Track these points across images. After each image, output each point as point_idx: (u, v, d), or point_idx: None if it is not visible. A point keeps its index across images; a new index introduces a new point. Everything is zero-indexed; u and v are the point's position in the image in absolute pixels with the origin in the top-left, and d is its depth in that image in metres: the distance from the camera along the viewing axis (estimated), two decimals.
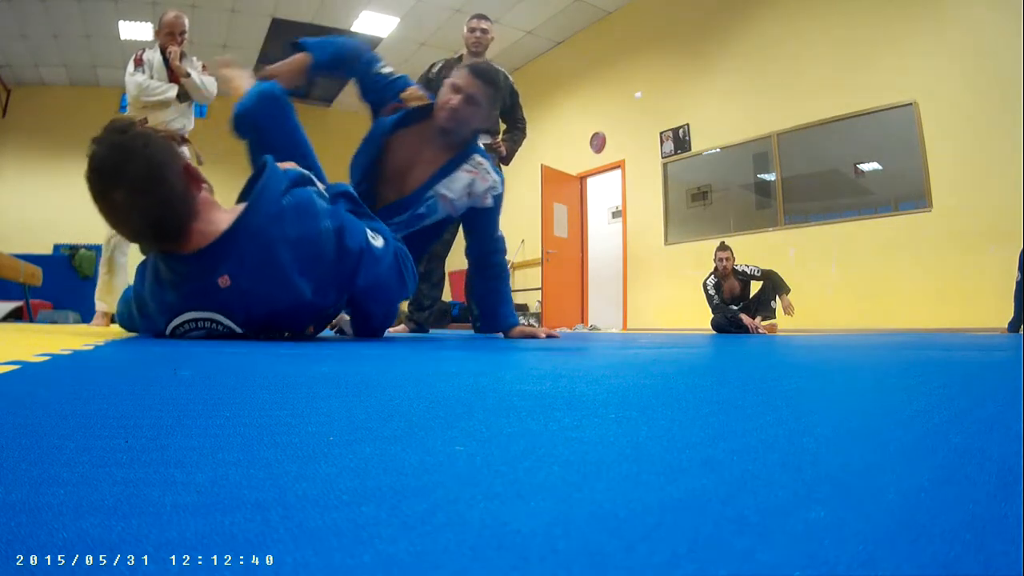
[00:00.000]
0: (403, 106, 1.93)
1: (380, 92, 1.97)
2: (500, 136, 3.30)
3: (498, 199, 2.00)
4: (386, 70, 1.98)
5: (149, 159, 1.12)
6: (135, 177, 1.11)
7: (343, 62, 1.96)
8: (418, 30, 6.93)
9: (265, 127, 1.67)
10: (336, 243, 1.34)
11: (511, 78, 3.28)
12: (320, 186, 1.49)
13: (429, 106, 1.91)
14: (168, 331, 1.31)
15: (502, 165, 3.21)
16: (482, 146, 2.33)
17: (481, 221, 2.02)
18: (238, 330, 1.31)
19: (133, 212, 1.14)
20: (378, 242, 1.43)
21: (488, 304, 2.10)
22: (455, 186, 1.91)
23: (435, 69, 3.19)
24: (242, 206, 1.28)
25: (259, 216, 1.25)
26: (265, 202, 1.27)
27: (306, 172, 1.48)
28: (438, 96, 1.88)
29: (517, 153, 3.43)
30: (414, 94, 1.96)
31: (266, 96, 1.68)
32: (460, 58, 3.25)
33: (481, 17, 3.26)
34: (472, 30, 3.22)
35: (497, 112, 2.96)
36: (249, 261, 1.24)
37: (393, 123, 1.91)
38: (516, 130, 3.36)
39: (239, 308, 1.28)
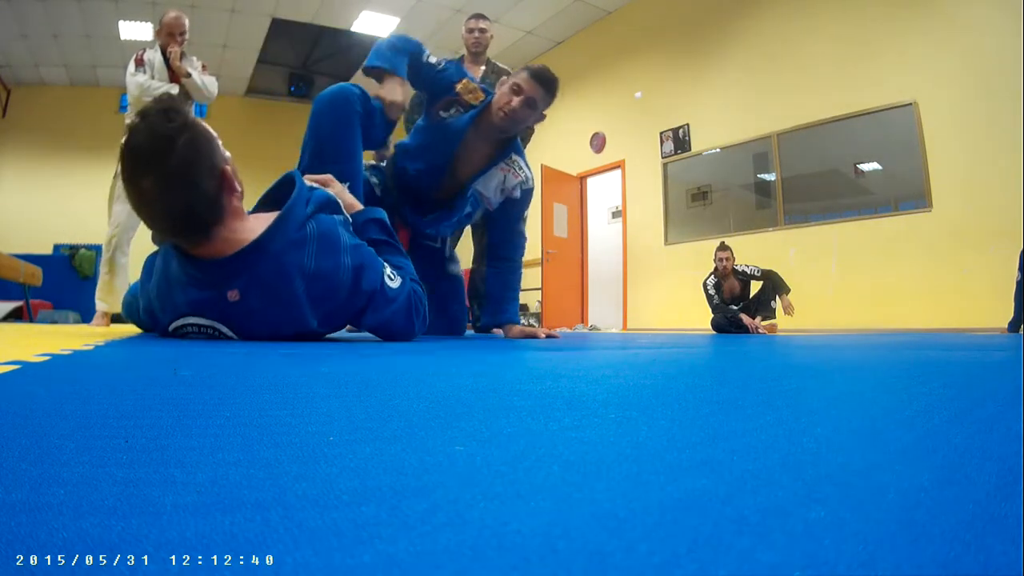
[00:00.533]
0: (459, 100, 1.93)
1: (433, 82, 1.95)
2: None
3: (527, 192, 2.01)
4: (432, 59, 1.97)
5: (186, 157, 1.09)
6: (167, 171, 1.09)
7: (405, 57, 1.93)
8: (418, 30, 6.93)
9: (327, 125, 1.68)
10: (352, 281, 1.32)
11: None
12: (346, 214, 1.47)
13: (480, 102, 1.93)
14: (170, 329, 1.31)
15: None
16: None
17: (506, 211, 2.03)
18: (236, 339, 1.31)
19: (157, 203, 1.12)
20: (394, 283, 1.41)
21: (496, 295, 2.08)
22: (490, 184, 1.94)
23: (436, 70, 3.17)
24: (267, 220, 1.25)
25: (281, 240, 1.22)
26: (289, 226, 1.25)
27: (333, 197, 1.45)
28: (496, 100, 1.89)
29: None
30: (468, 87, 1.96)
31: (341, 96, 1.69)
32: (461, 59, 3.23)
33: (479, 17, 3.24)
34: (471, 30, 3.21)
35: None
36: (262, 282, 1.22)
37: (466, 123, 1.91)
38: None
39: (242, 322, 1.27)
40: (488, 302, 2.11)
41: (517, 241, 2.09)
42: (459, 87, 1.94)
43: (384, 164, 2.09)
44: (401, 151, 2.04)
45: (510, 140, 1.96)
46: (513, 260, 2.10)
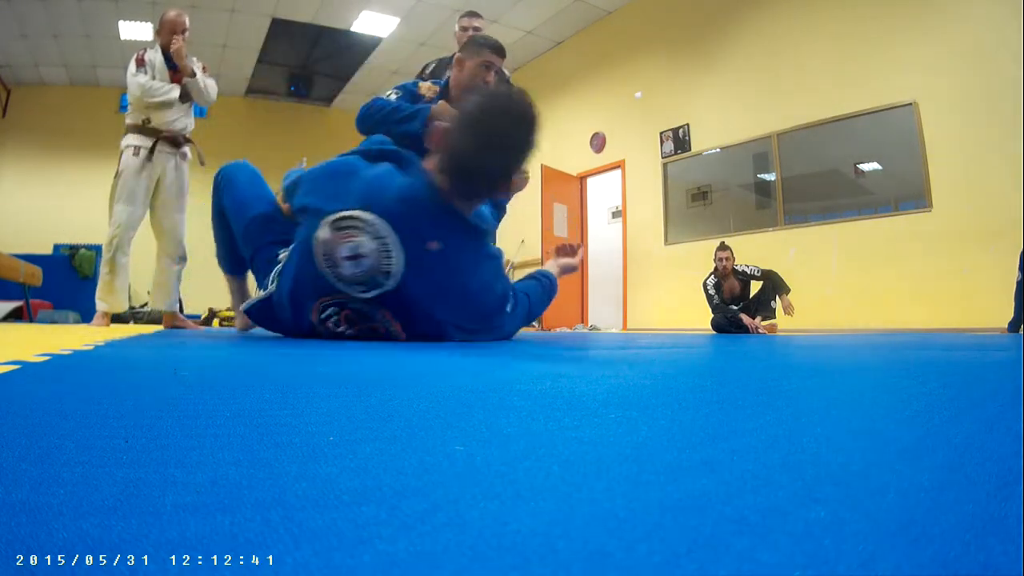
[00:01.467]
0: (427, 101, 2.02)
1: (412, 132, 1.99)
2: None
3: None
4: (393, 97, 2.03)
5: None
6: (532, 141, 1.35)
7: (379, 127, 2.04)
8: (418, 30, 6.93)
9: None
10: (496, 306, 1.45)
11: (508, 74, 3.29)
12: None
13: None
14: (331, 218, 1.31)
15: None
16: None
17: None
18: (367, 293, 1.35)
19: (514, 154, 1.34)
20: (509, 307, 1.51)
21: None
22: None
23: (428, 69, 3.17)
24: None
25: (489, 242, 1.43)
26: (491, 236, 1.47)
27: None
28: (470, 80, 1.95)
29: None
30: (425, 88, 2.06)
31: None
32: (451, 59, 3.19)
33: (473, 15, 3.19)
34: (465, 28, 3.16)
35: None
36: (460, 258, 1.35)
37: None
38: None
39: (416, 272, 1.33)
40: None
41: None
42: (422, 90, 2.06)
43: None
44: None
45: None
46: None
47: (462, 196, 1.35)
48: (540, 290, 1.70)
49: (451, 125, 1.35)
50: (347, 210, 1.31)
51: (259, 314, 1.63)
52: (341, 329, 1.44)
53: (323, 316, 1.43)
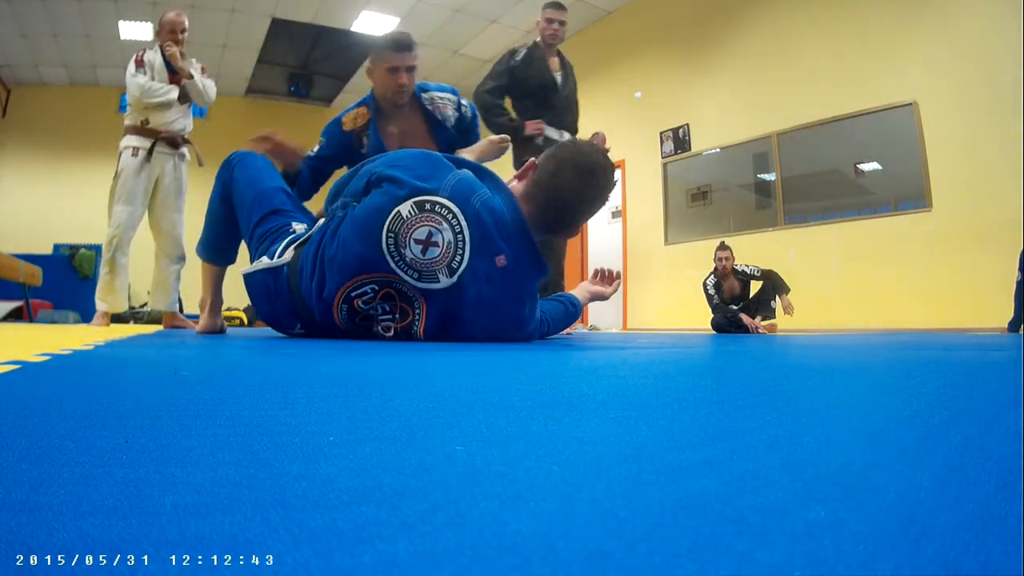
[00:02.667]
0: (356, 132, 2.09)
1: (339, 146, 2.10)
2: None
3: (459, 106, 2.17)
4: (315, 149, 2.11)
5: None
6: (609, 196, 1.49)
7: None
8: (418, 30, 6.92)
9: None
10: (519, 334, 1.48)
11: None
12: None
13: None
14: (414, 204, 1.33)
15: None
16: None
17: (464, 127, 2.19)
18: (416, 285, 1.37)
19: (596, 204, 1.46)
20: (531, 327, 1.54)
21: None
22: (450, 120, 2.11)
23: (518, 57, 3.05)
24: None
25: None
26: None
27: None
28: (383, 88, 2.03)
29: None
30: (351, 119, 2.12)
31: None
32: (535, 44, 3.10)
33: (560, 8, 3.06)
34: (550, 21, 3.04)
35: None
36: (524, 270, 1.41)
37: (375, 137, 2.06)
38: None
39: (466, 278, 1.35)
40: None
41: (475, 124, 2.27)
42: (346, 125, 2.08)
43: None
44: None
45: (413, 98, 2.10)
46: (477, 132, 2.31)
47: (539, 228, 1.43)
48: (562, 316, 1.73)
49: (547, 163, 1.43)
50: (437, 195, 1.33)
51: (257, 285, 1.57)
52: (367, 307, 1.41)
53: (355, 293, 1.39)
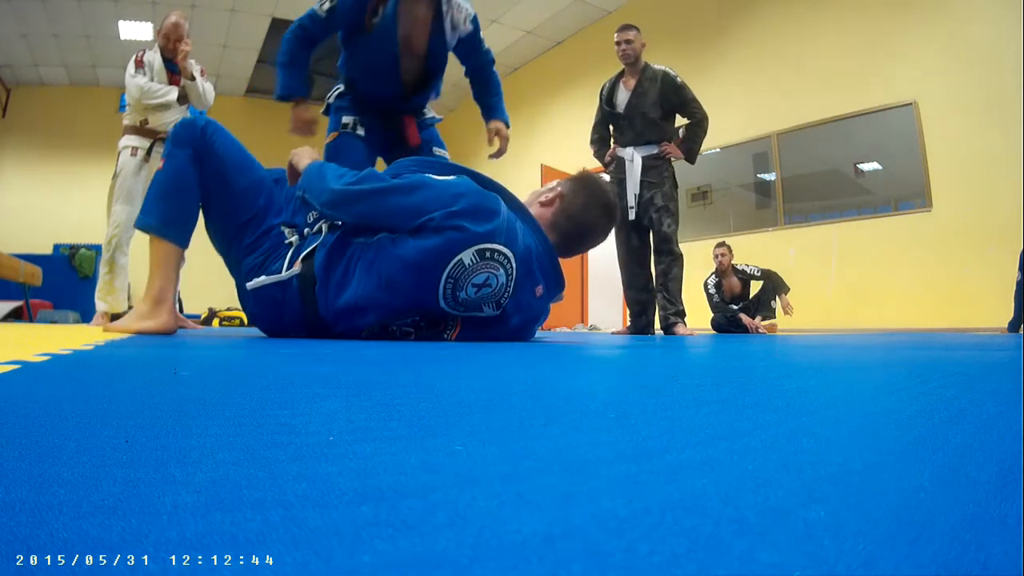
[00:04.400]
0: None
1: (341, 15, 2.12)
2: (672, 139, 3.37)
3: (475, 20, 2.26)
4: (326, 6, 2.12)
5: None
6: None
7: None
8: None
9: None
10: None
11: (673, 74, 3.40)
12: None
13: None
14: (476, 252, 1.33)
15: (688, 163, 3.43)
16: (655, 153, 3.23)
17: (470, 44, 2.28)
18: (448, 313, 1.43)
19: (603, 238, 1.62)
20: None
21: (493, 102, 2.43)
22: (448, 33, 2.16)
23: (604, 90, 3.52)
24: None
25: None
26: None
27: None
28: None
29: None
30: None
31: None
32: (620, 73, 3.50)
33: (624, 28, 3.43)
34: (617, 43, 3.43)
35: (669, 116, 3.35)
36: (546, 304, 1.58)
37: (392, 5, 2.06)
38: (695, 125, 3.36)
39: (509, 307, 1.46)
40: (482, 108, 2.45)
41: (488, 58, 2.39)
42: None
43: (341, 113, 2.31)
44: (351, 83, 2.25)
45: None
46: (494, 74, 2.45)
47: (561, 253, 1.55)
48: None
49: (575, 197, 1.54)
50: (497, 244, 1.35)
51: (264, 298, 1.52)
52: (394, 330, 1.48)
53: (395, 324, 1.46)
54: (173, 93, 2.94)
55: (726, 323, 4.15)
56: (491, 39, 7.58)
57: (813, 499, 0.19)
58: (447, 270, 1.32)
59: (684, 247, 6.09)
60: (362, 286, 1.40)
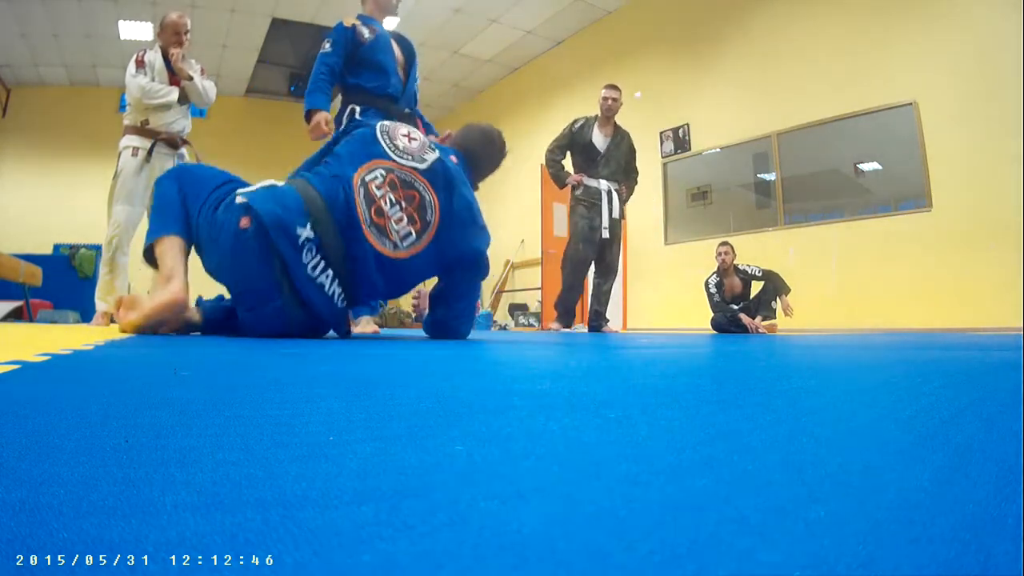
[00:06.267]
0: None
1: None
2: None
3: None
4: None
5: None
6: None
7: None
8: (418, 30, 6.93)
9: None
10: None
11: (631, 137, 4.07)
12: None
13: None
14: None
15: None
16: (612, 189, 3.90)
17: None
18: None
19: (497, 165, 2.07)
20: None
21: None
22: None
23: (576, 125, 4.00)
24: None
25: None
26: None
27: None
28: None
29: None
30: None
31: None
32: (595, 118, 3.98)
33: (614, 88, 3.96)
34: (605, 98, 3.92)
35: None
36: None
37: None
38: (633, 181, 4.13)
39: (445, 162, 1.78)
40: None
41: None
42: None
43: None
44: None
45: None
46: None
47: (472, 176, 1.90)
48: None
49: (473, 134, 1.96)
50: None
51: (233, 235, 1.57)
52: (380, 193, 1.65)
53: (368, 177, 1.65)
54: (174, 93, 2.94)
55: (726, 323, 4.15)
56: (491, 39, 7.59)
57: (813, 499, 0.19)
58: (378, 130, 1.80)
59: (684, 247, 6.14)
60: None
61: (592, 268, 4.03)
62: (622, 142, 4.03)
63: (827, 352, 1.26)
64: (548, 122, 7.54)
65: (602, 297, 4.02)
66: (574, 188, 3.94)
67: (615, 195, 3.89)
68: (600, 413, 0.38)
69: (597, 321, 3.98)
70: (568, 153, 4.05)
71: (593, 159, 3.96)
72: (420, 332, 2.85)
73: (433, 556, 0.15)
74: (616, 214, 3.88)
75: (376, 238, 1.61)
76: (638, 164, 4.18)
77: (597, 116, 4.02)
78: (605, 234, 3.84)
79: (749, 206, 5.58)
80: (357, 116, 2.67)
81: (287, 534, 0.16)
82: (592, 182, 3.90)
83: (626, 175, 4.07)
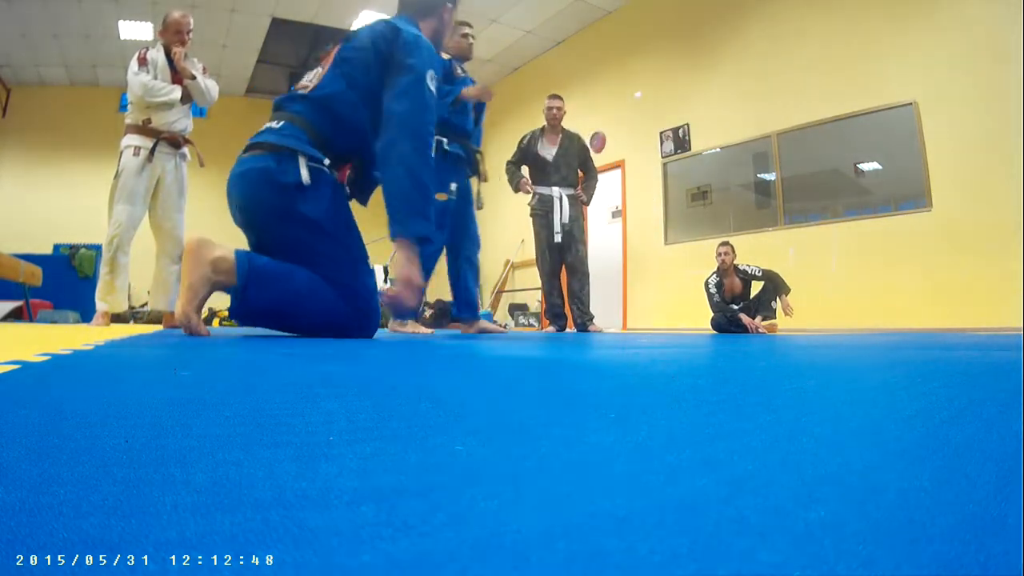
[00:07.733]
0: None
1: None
2: (579, 186, 4.23)
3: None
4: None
5: None
6: None
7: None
8: None
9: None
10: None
11: (582, 137, 4.27)
12: None
13: None
14: None
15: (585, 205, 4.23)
16: (569, 196, 4.09)
17: None
18: None
19: None
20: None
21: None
22: None
23: (524, 140, 4.21)
24: None
25: None
26: None
27: None
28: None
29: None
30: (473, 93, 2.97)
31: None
32: (542, 129, 4.17)
33: (556, 97, 4.19)
34: (549, 108, 4.16)
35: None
36: None
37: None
38: (591, 179, 4.25)
39: None
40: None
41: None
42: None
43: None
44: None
45: None
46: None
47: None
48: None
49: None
50: None
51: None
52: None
53: None
54: (177, 92, 2.93)
55: (726, 323, 4.15)
56: (491, 39, 7.58)
57: (813, 499, 0.19)
58: None
59: (684, 247, 6.14)
60: None
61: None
62: (571, 146, 4.20)
63: (827, 352, 1.26)
64: None
65: (584, 298, 4.13)
66: (532, 199, 4.18)
67: (566, 200, 4.05)
68: (600, 413, 0.38)
69: (582, 320, 4.12)
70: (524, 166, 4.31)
71: (543, 168, 4.17)
72: (420, 332, 2.85)
73: (433, 556, 0.15)
74: (566, 219, 4.04)
75: None
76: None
77: (544, 127, 4.20)
78: (558, 239, 4.03)
79: (749, 206, 5.58)
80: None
81: (287, 534, 0.16)
82: (544, 190, 4.11)
83: (586, 177, 4.22)
